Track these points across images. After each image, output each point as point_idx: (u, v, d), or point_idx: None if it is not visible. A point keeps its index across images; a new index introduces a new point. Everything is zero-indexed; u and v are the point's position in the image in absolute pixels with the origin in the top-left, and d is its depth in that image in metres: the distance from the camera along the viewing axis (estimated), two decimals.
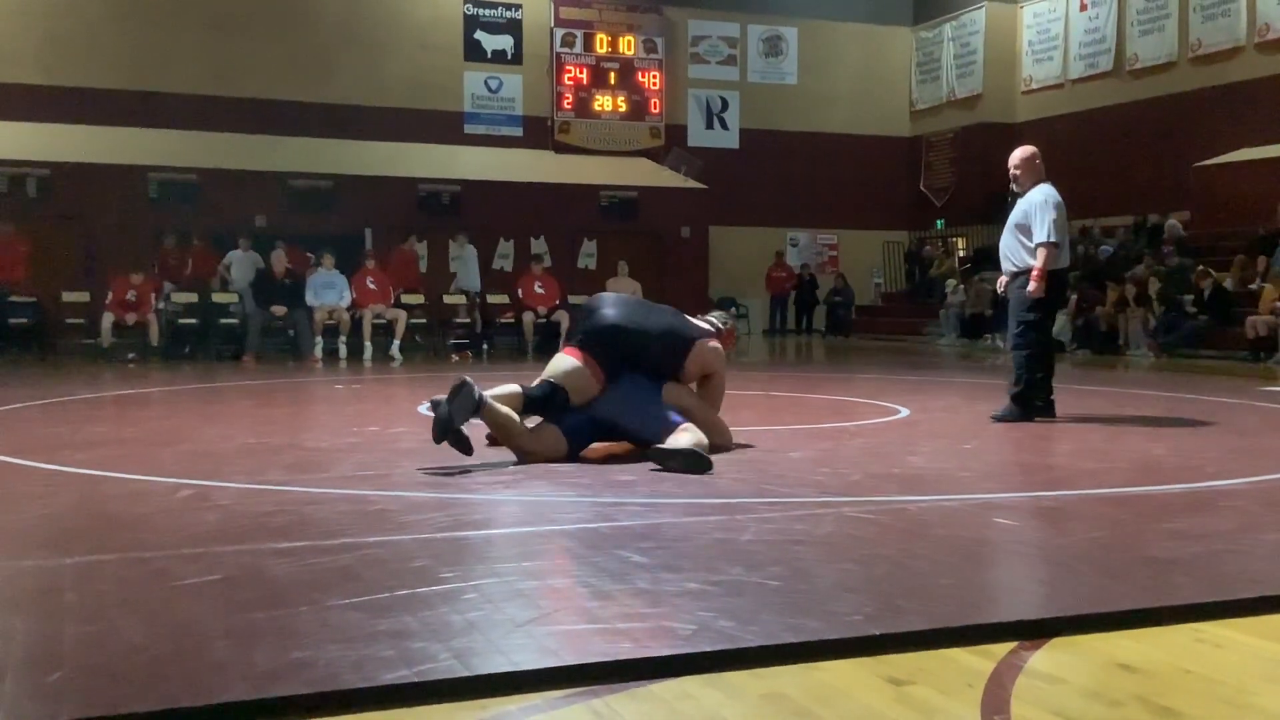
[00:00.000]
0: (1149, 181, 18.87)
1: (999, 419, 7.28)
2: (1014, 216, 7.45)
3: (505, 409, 5.39)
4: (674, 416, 5.43)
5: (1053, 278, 7.24)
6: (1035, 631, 2.82)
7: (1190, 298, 15.35)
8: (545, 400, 5.47)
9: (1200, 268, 15.52)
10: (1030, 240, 7.22)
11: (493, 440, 5.67)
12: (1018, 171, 7.54)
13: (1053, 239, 7.16)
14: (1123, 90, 19.95)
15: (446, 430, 5.10)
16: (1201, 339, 14.97)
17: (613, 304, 5.89)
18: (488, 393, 5.29)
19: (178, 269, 16.09)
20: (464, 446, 5.18)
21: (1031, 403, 7.33)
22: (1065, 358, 15.56)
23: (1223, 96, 18.08)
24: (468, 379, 5.19)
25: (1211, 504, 4.62)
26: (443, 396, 5.19)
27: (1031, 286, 7.18)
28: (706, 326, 6.01)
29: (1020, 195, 7.51)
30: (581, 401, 5.47)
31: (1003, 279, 7.61)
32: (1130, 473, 5.34)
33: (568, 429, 5.45)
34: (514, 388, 5.46)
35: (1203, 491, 4.88)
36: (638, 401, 5.51)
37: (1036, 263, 7.14)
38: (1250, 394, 9.67)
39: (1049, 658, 2.68)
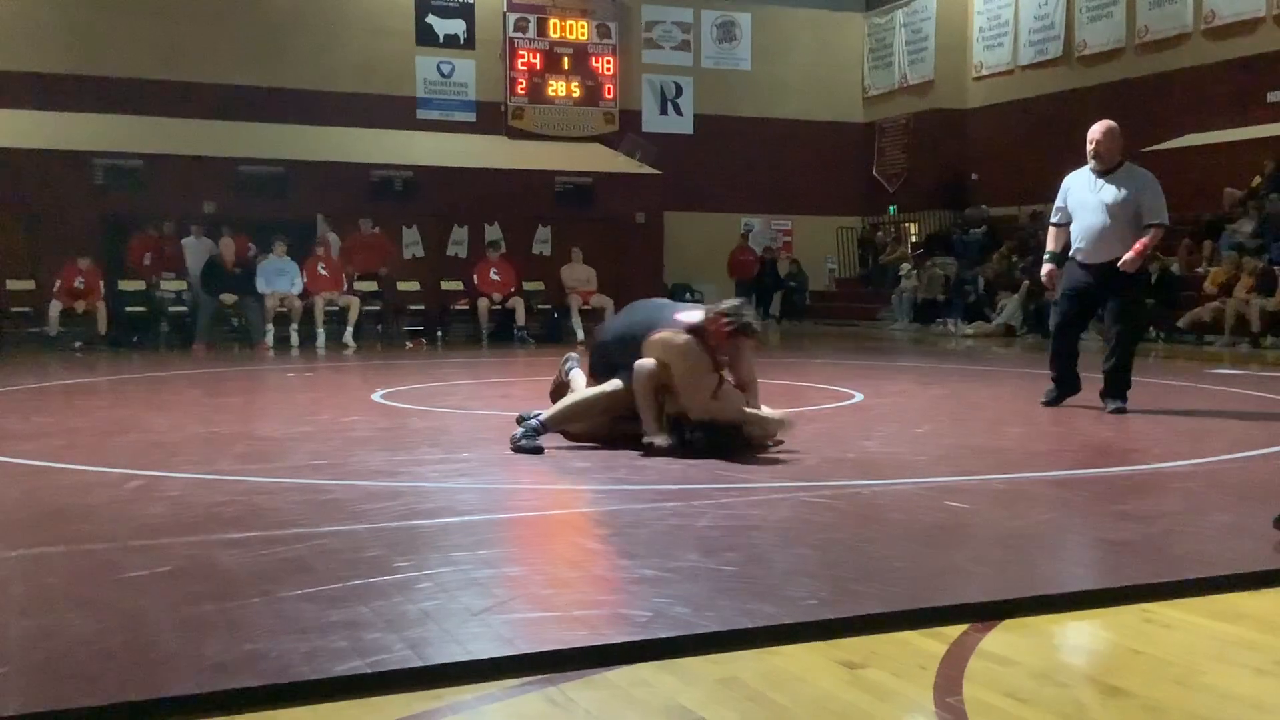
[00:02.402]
0: None
1: (1119, 410, 6.91)
2: (1104, 195, 6.89)
3: (566, 404, 5.53)
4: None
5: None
6: (987, 613, 2.85)
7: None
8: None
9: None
10: (1131, 221, 6.82)
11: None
12: (1099, 147, 6.97)
13: (1167, 222, 6.95)
14: (1072, 76, 20.13)
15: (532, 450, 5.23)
16: (1149, 322, 15.16)
17: (610, 319, 6.00)
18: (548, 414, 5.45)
19: (175, 259, 15.80)
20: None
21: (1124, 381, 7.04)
22: (1015, 342, 15.73)
23: (1170, 83, 18.29)
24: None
25: (1160, 486, 4.69)
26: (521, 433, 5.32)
27: (1129, 256, 6.77)
28: (688, 320, 5.79)
29: (1106, 174, 6.96)
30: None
31: (1050, 268, 7.26)
32: (1080, 455, 5.40)
33: None
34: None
35: (1151, 473, 4.95)
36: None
37: (1145, 238, 6.78)
38: (1197, 376, 9.82)
39: (1001, 639, 2.70)
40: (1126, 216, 6.84)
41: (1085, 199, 6.99)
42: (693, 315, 5.47)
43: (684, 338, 5.35)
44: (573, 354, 6.31)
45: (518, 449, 5.21)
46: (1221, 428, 6.50)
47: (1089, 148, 7.01)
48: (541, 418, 5.38)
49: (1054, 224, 7.25)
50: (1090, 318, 7.78)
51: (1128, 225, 6.84)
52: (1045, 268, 7.38)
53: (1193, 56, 18.11)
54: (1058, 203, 7.23)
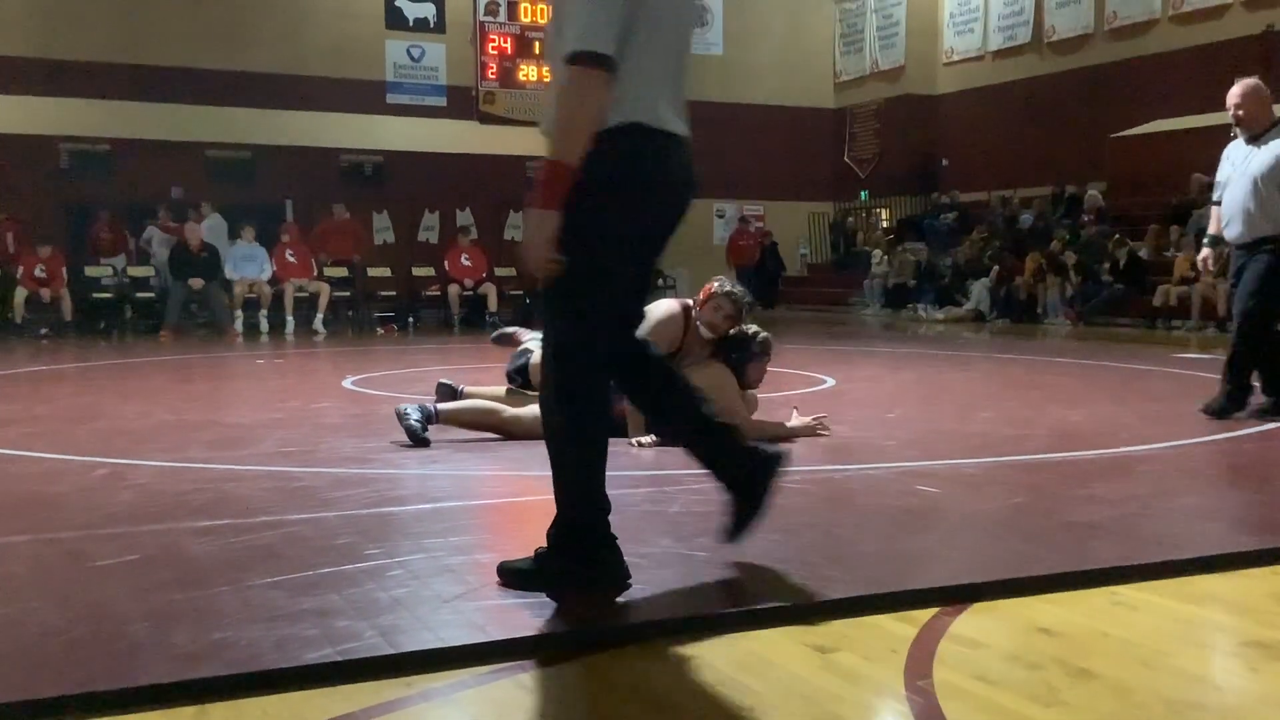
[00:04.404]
0: (1068, 153, 19.15)
1: (1218, 412, 6.10)
2: (1255, 167, 5.96)
3: (466, 404, 5.53)
4: None
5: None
6: (957, 597, 2.86)
7: (1107, 266, 15.65)
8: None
9: (1116, 236, 15.83)
10: None
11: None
12: (1241, 111, 6.03)
13: None
14: (1041, 62, 20.21)
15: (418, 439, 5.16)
16: (1117, 307, 15.28)
17: None
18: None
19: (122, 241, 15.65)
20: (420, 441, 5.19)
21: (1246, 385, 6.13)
22: (984, 327, 15.82)
23: (1138, 68, 18.39)
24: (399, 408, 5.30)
25: (1128, 469, 4.73)
26: (409, 408, 5.26)
27: None
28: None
29: (1257, 139, 6.01)
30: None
31: (1206, 252, 6.59)
32: (1049, 439, 5.44)
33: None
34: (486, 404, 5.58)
35: (1119, 457, 4.99)
36: None
37: None
38: (1164, 360, 9.90)
39: (970, 622, 2.72)
40: (1267, 186, 5.90)
41: (1235, 171, 6.10)
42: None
43: (668, 304, 5.44)
44: (529, 346, 6.24)
45: (406, 426, 5.16)
46: (1189, 412, 6.56)
47: (1230, 114, 6.11)
48: (440, 408, 5.36)
49: (1214, 202, 6.39)
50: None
51: (1266, 196, 5.91)
52: (1201, 252, 6.76)
53: (1161, 42, 18.22)
54: (1217, 177, 6.34)
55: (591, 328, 2.85)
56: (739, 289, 5.39)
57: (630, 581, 2.87)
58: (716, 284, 5.34)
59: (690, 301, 5.48)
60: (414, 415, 5.17)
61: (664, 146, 2.84)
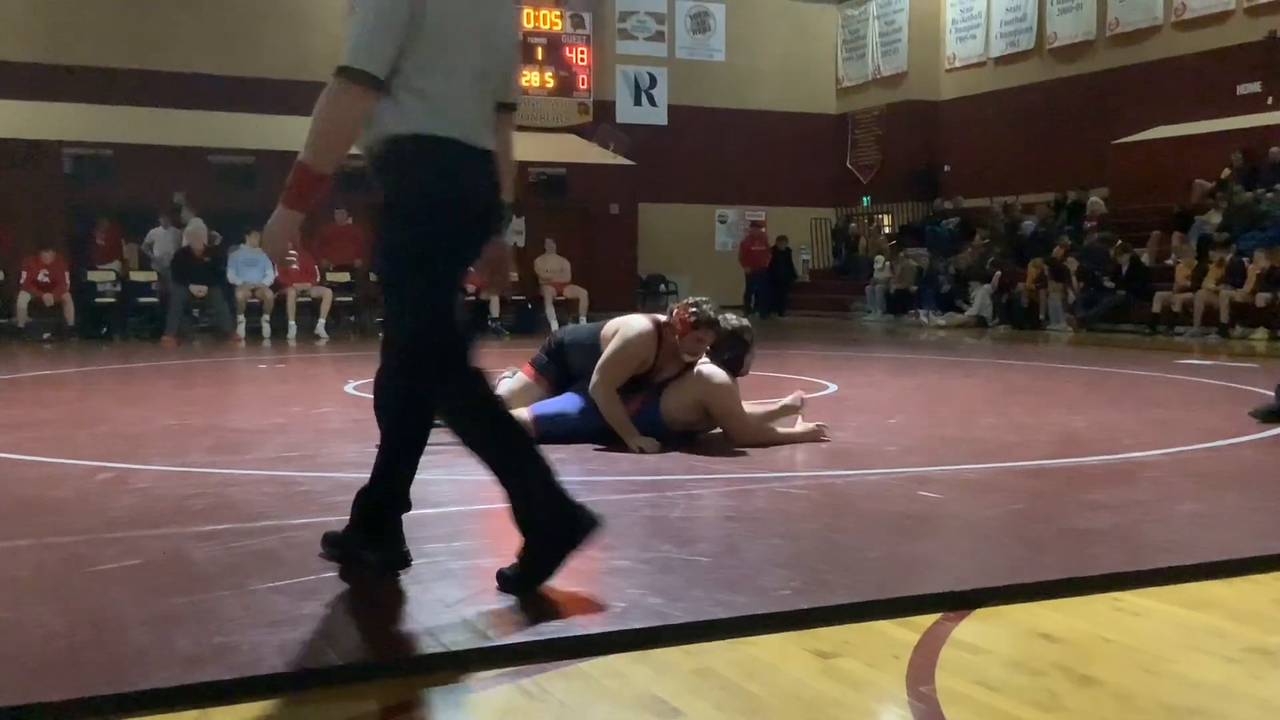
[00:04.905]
0: (1070, 159, 19.16)
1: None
2: None
3: None
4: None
5: None
6: (959, 603, 2.86)
7: (1109, 272, 15.64)
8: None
9: (1119, 243, 15.84)
10: None
11: None
12: None
13: None
14: (1043, 68, 20.22)
15: None
16: (1120, 313, 15.28)
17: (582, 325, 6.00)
18: None
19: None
20: None
21: None
22: (987, 333, 15.81)
23: (1141, 75, 18.40)
24: None
25: (1130, 475, 4.72)
26: None
27: None
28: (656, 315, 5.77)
29: None
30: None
31: None
32: (1051, 445, 5.44)
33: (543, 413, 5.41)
34: None
35: (1121, 463, 4.98)
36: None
37: None
38: (1166, 367, 9.89)
39: (972, 628, 2.72)
40: None
41: None
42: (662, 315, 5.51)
43: (641, 322, 5.40)
44: (509, 370, 6.26)
45: None
46: (1191, 418, 6.55)
47: None
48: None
49: None
50: None
51: None
52: None
53: (1163, 49, 18.22)
54: None
55: (421, 335, 2.94)
56: (722, 316, 5.38)
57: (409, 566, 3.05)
58: (693, 310, 5.25)
59: (661, 318, 5.44)
60: None
61: (463, 161, 2.92)
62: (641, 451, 5.06)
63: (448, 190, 2.90)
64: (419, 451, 3.11)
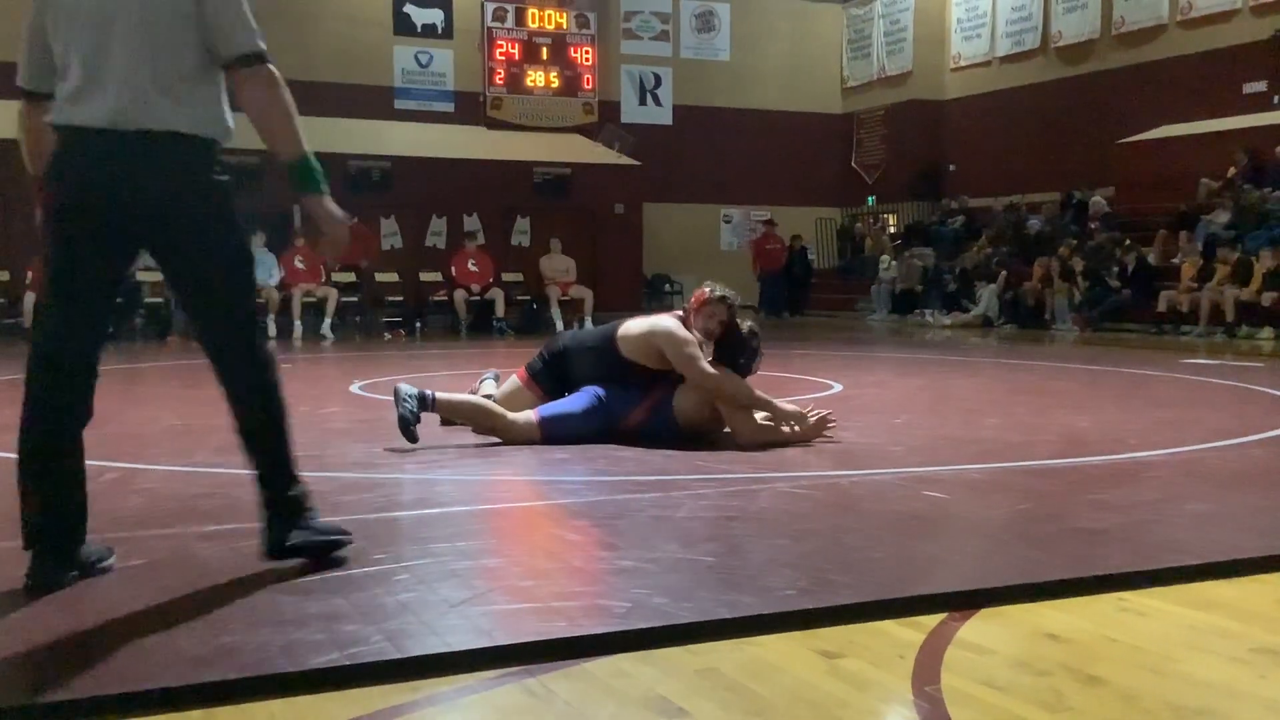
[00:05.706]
0: (1075, 158, 19.13)
1: None
2: None
3: (465, 398, 5.57)
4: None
5: None
6: (964, 603, 2.86)
7: (1115, 272, 15.62)
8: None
9: (1126, 242, 15.81)
10: None
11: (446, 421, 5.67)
12: None
13: None
14: (1048, 68, 20.19)
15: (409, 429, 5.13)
16: (1125, 313, 15.25)
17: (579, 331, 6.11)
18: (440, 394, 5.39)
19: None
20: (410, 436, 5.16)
21: None
22: (992, 333, 15.80)
23: (1146, 74, 18.37)
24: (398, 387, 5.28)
25: (1135, 475, 4.72)
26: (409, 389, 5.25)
27: None
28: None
29: None
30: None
31: None
32: (1056, 445, 5.43)
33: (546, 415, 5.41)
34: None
35: (1126, 463, 4.97)
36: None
37: None
38: (1171, 366, 9.88)
39: (978, 628, 2.72)
40: None
41: None
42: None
43: (666, 318, 5.49)
44: (490, 372, 6.31)
45: (403, 414, 5.13)
46: (1197, 417, 6.54)
47: None
48: (439, 397, 5.30)
49: None
50: None
51: None
52: None
53: (1169, 48, 18.19)
54: None
55: (47, 325, 3.10)
56: (730, 292, 5.48)
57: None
58: (708, 289, 5.42)
59: (681, 312, 5.54)
60: (410, 404, 5.16)
61: (68, 142, 3.02)
62: (794, 430, 5.25)
63: (62, 174, 3.06)
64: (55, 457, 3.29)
